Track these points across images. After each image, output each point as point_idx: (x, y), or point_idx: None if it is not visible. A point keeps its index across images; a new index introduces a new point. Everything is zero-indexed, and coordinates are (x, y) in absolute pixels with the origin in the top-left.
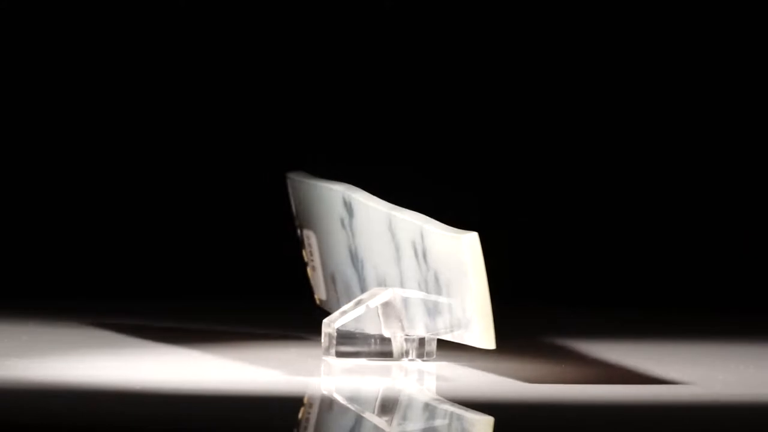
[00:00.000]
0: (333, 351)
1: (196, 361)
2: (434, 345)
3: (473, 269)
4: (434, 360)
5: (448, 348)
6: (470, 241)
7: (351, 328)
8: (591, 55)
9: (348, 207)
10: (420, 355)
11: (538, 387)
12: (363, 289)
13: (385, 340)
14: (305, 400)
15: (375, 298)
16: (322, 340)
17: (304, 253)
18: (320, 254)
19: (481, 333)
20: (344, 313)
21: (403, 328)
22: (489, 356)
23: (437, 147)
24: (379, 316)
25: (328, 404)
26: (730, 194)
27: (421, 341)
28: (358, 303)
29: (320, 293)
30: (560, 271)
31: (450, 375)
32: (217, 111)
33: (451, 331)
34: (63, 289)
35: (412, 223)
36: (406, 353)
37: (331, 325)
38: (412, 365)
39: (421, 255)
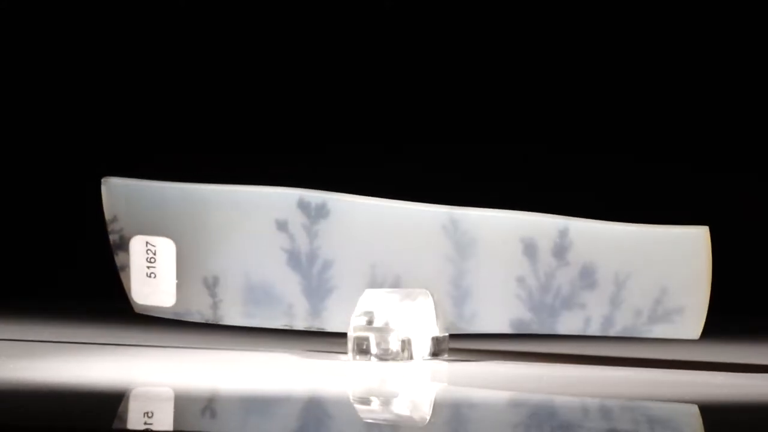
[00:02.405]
0: (390, 354)
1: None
2: (447, 343)
3: (703, 262)
4: (448, 359)
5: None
6: (702, 234)
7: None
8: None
9: (310, 208)
10: (436, 354)
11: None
12: (311, 291)
13: (410, 341)
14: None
15: (419, 298)
16: (357, 345)
17: (117, 259)
18: (181, 260)
19: (693, 324)
20: (372, 316)
21: (440, 327)
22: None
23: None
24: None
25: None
26: None
27: (437, 339)
28: (366, 304)
29: (155, 300)
30: None
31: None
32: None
33: (608, 323)
34: None
35: (527, 219)
36: (436, 353)
37: (380, 328)
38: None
39: (549, 251)
